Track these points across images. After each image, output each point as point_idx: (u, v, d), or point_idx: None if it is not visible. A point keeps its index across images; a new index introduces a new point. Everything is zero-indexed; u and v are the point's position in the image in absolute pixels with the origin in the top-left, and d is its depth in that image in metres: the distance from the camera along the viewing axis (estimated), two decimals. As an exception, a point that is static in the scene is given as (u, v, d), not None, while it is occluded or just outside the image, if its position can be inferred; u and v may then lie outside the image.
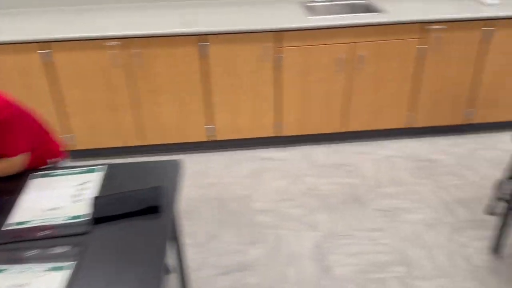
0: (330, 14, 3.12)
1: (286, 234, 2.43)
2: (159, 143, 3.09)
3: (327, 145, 3.23)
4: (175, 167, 1.62)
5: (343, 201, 2.67)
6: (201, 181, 2.89)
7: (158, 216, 1.40)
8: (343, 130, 3.17)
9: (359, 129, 3.17)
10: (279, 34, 2.78)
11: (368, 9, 3.11)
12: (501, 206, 2.28)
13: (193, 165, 3.06)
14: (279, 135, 3.15)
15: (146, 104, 2.93)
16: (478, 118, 3.20)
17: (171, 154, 3.17)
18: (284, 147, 3.23)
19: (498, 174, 2.83)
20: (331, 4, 3.21)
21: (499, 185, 2.47)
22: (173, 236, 1.82)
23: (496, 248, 2.24)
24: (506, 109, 3.17)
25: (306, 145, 3.24)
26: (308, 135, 3.20)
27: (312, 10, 3.15)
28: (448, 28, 2.84)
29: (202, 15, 2.97)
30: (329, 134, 3.22)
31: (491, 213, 2.52)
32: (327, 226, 2.48)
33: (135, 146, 3.11)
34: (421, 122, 3.19)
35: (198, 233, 2.46)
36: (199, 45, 2.76)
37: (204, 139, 3.11)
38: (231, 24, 2.76)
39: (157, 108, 2.95)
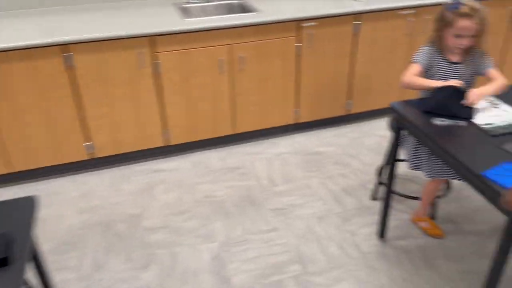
0: (206, 15, 3.04)
1: (181, 251, 2.31)
2: (30, 168, 2.74)
3: (219, 149, 3.16)
4: (28, 204, 1.40)
5: (238, 205, 2.63)
6: (84, 205, 2.64)
7: (7, 270, 1.19)
8: (233, 132, 3.12)
9: (249, 130, 3.16)
10: (153, 39, 2.62)
11: (244, 9, 3.09)
12: (382, 191, 2.41)
13: (73, 188, 2.77)
14: (168, 144, 3.00)
15: (9, 126, 2.57)
16: (357, 108, 3.38)
17: (46, 179, 2.84)
18: (175, 156, 3.09)
19: (379, 159, 3.01)
20: (207, 5, 3.13)
21: (380, 170, 2.63)
22: (42, 281, 1.60)
23: (382, 233, 2.37)
24: (379, 97, 3.38)
25: (197, 151, 3.14)
26: (198, 141, 3.10)
27: (187, 12, 3.04)
28: (319, 25, 2.93)
29: (65, 22, 2.69)
30: (220, 137, 3.15)
31: (375, 198, 2.66)
32: (223, 234, 2.42)
33: (1, 176, 2.72)
34: (306, 117, 3.27)
35: (82, 264, 2.23)
36: (64, 55, 2.49)
37: (84, 157, 2.84)
38: (98, 31, 2.53)
39: (23, 130, 2.61)
